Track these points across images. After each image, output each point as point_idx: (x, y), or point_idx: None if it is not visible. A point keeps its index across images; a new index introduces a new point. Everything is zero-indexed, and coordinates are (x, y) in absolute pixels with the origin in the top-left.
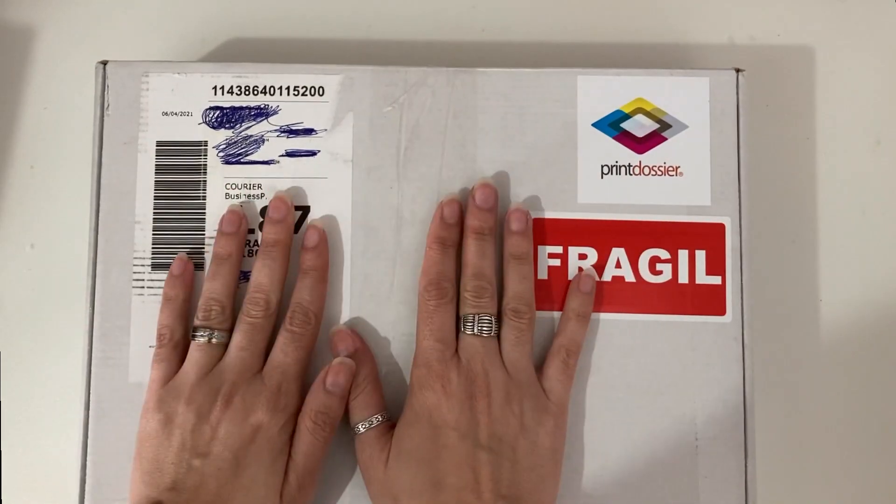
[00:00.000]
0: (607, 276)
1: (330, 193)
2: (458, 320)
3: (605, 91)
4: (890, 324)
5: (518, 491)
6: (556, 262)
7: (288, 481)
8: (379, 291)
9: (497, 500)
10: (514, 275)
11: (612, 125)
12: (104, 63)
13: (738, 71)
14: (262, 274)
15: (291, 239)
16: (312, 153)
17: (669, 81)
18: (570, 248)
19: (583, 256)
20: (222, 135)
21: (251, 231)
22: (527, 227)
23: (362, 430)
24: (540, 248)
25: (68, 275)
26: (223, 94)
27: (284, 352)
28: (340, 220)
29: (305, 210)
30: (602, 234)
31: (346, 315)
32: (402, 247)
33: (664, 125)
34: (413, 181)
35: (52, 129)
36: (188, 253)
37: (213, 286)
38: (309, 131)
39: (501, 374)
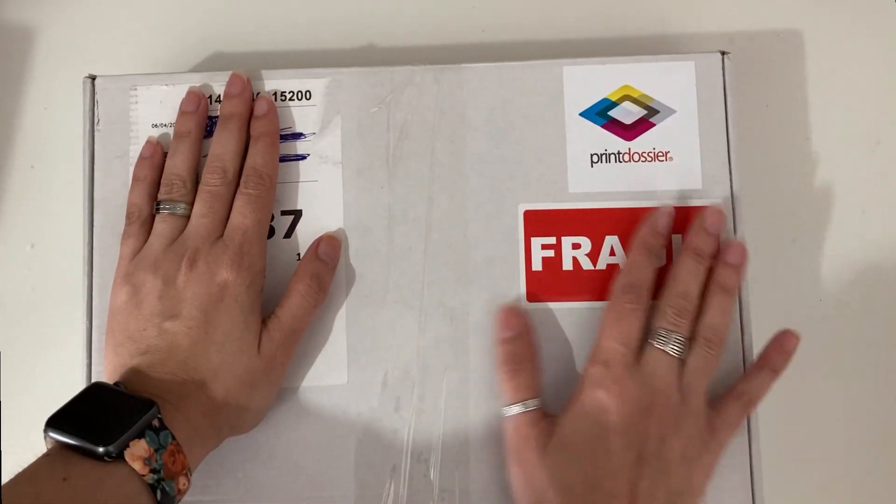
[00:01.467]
0: (602, 265)
1: (321, 196)
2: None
3: (591, 80)
4: (889, 322)
5: None
6: (550, 253)
7: (271, 338)
8: (374, 291)
9: None
10: (717, 305)
11: (600, 114)
12: (92, 78)
13: (723, 53)
14: (220, 145)
15: (249, 112)
16: (302, 157)
17: (655, 67)
18: (564, 239)
19: (576, 246)
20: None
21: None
22: (743, 263)
23: (517, 411)
24: (533, 239)
25: (68, 275)
26: (211, 103)
27: (242, 213)
28: (333, 222)
29: (297, 214)
30: (595, 223)
31: (342, 317)
32: (396, 246)
33: (652, 111)
34: (403, 180)
35: (52, 129)
36: None
37: (174, 163)
38: (297, 136)
39: (678, 396)
